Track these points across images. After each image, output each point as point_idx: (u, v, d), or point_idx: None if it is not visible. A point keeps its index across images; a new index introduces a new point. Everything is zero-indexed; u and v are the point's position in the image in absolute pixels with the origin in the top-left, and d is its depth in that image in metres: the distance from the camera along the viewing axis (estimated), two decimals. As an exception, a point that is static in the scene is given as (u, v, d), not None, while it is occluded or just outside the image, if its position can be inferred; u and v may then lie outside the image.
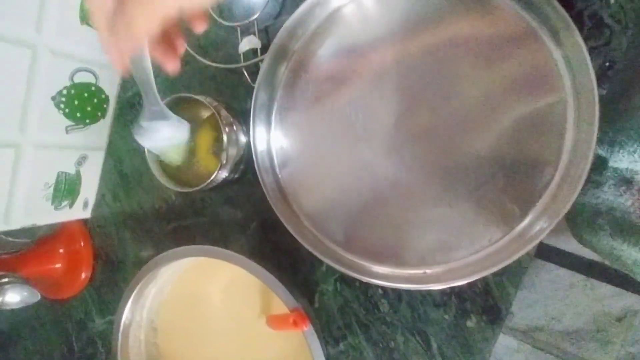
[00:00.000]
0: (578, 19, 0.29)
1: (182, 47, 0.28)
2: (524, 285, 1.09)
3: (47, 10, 0.38)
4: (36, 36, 0.37)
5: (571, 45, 0.29)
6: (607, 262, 0.46)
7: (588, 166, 0.28)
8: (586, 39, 0.29)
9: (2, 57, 0.35)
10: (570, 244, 1.01)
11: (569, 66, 0.30)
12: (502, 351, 1.05)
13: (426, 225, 0.34)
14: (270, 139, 0.39)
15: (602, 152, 0.40)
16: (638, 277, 0.44)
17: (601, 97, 0.27)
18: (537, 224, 0.30)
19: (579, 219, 0.45)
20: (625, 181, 0.39)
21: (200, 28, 0.27)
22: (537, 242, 0.29)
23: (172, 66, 0.28)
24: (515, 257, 0.29)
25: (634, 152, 0.38)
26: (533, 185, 0.31)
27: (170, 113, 0.34)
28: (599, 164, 0.40)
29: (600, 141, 0.40)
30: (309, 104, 0.38)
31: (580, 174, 0.28)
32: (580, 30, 0.29)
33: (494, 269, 0.30)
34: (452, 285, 0.32)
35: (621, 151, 0.38)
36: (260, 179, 0.37)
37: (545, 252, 1.03)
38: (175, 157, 0.39)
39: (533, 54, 0.31)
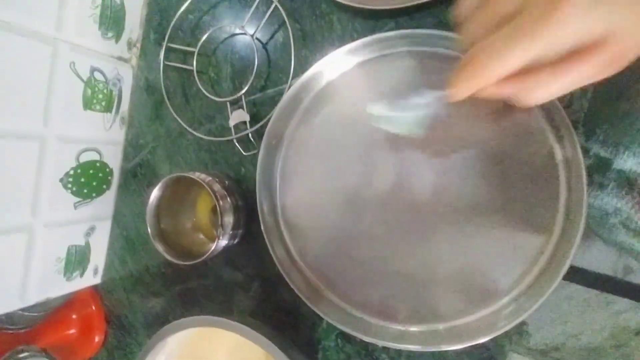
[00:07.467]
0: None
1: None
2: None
3: (53, 103, 0.41)
4: (43, 128, 0.40)
5: (571, 148, 0.30)
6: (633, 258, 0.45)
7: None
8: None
9: (13, 150, 0.38)
10: (582, 260, 1.00)
11: (567, 166, 0.31)
12: (521, 374, 1.03)
13: (412, 285, 0.36)
14: (274, 201, 0.41)
15: (605, 154, 0.40)
16: None
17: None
18: (511, 305, 0.32)
19: (592, 222, 0.45)
20: (628, 183, 0.39)
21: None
22: (518, 320, 0.31)
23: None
24: (494, 334, 0.31)
25: None
26: (515, 268, 0.33)
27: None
28: (602, 166, 0.40)
29: (603, 143, 0.40)
30: (309, 166, 0.40)
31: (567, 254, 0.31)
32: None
33: (480, 340, 0.31)
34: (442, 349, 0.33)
35: (626, 152, 0.38)
36: (266, 240, 0.39)
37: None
38: (416, 127, 0.34)
39: (538, 149, 0.32)
